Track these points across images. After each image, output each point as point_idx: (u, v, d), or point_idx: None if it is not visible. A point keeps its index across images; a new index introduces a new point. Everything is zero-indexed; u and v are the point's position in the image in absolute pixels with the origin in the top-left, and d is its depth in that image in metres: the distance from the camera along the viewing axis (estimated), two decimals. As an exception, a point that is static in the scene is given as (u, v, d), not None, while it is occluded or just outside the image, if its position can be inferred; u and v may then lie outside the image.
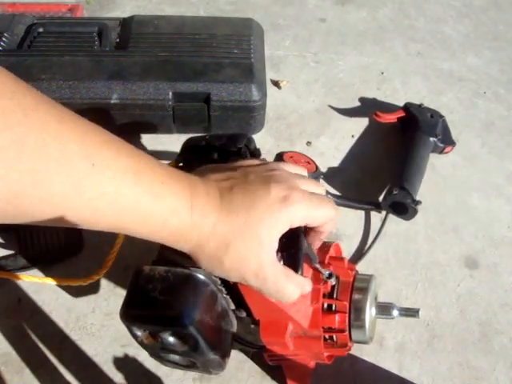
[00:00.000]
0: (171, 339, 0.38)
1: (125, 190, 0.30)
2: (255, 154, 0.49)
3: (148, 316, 0.37)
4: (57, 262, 0.60)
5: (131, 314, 0.38)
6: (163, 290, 0.37)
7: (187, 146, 0.50)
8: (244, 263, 0.34)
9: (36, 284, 0.57)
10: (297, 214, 0.34)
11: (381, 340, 0.55)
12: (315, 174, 0.51)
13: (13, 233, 0.61)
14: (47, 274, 0.58)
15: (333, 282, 0.42)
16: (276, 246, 0.35)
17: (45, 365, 0.52)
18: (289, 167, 0.40)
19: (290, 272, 0.36)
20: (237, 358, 0.53)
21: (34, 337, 0.54)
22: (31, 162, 0.26)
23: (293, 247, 0.37)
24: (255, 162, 0.40)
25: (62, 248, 0.60)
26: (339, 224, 0.66)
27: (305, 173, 0.41)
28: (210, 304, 0.39)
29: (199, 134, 0.51)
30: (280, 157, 0.52)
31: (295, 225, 0.35)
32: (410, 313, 0.44)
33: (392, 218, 0.66)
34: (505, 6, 1.07)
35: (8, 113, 0.25)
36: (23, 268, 0.58)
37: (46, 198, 0.27)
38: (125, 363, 0.53)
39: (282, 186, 0.35)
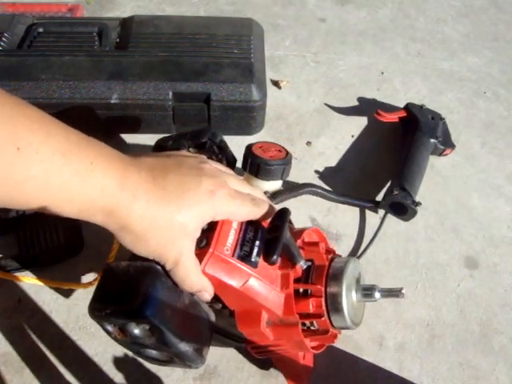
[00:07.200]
0: (137, 331, 0.38)
1: (53, 173, 0.30)
2: (221, 146, 0.49)
3: (111, 310, 0.37)
4: (57, 262, 0.60)
5: (96, 309, 0.38)
6: (124, 283, 0.37)
7: (156, 147, 0.50)
8: (168, 248, 0.36)
9: (36, 284, 0.57)
10: (221, 209, 0.37)
11: (381, 340, 0.55)
12: (285, 160, 0.52)
13: (13, 234, 0.61)
14: (47, 274, 0.58)
15: (303, 266, 0.41)
16: (198, 234, 0.37)
17: (45, 365, 0.52)
18: (218, 165, 0.42)
19: (199, 268, 0.38)
20: (237, 358, 0.53)
21: (34, 337, 0.54)
22: None
23: (274, 234, 0.38)
24: (187, 153, 0.43)
25: (62, 248, 0.60)
26: (339, 224, 0.66)
27: (231, 172, 0.44)
28: (173, 294, 0.39)
29: (167, 135, 0.51)
30: (248, 149, 0.52)
31: (218, 218, 0.38)
32: (393, 293, 0.42)
33: (392, 217, 0.66)
34: (505, 6, 1.08)
35: None
36: (23, 268, 0.58)
37: None
38: (125, 363, 0.53)
39: (212, 180, 0.37)
